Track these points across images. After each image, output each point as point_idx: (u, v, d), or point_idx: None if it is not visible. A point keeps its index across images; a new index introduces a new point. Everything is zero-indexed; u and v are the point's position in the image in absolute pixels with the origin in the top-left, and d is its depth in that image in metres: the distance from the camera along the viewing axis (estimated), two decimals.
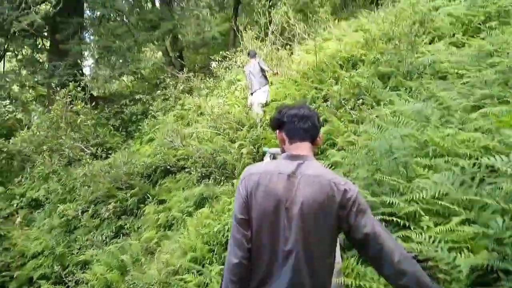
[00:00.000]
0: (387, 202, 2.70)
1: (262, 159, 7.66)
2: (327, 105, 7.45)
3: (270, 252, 1.61)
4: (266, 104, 8.70)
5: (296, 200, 1.57)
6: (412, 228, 2.50)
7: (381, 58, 7.80)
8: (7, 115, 12.33)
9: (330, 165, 5.51)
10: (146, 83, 11.93)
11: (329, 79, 8.18)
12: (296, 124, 1.72)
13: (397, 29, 7.68)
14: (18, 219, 8.46)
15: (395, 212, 2.73)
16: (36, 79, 10.43)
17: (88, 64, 16.46)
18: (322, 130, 6.78)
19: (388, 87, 7.03)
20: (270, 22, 12.63)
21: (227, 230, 5.79)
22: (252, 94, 8.45)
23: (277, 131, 1.81)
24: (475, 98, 4.52)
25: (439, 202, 2.48)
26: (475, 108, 4.46)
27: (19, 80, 9.99)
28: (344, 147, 6.03)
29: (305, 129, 1.72)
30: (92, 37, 12.06)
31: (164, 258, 6.09)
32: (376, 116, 6.20)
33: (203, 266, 5.57)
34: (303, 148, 1.72)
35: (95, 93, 13.63)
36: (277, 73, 8.57)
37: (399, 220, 2.56)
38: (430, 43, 8.15)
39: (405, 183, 2.85)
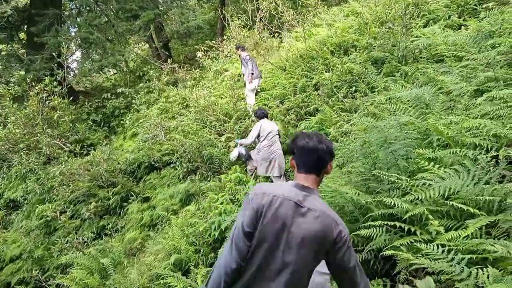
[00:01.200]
0: (388, 203, 2.31)
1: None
2: (318, 94, 7.06)
3: (260, 266, 1.72)
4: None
5: (300, 228, 1.70)
6: (418, 233, 2.12)
7: (374, 42, 7.40)
8: None
9: None
10: (129, 76, 11.38)
11: (320, 66, 7.77)
12: (303, 156, 1.86)
13: (390, 12, 7.27)
14: None
15: (397, 215, 2.35)
16: (11, 74, 9.83)
17: (73, 58, 15.79)
18: (314, 120, 6.43)
19: (382, 73, 6.65)
20: (258, 9, 12.13)
21: (214, 229, 5.41)
22: (252, 80, 7.88)
23: (291, 157, 1.95)
24: (478, 82, 4.14)
25: (449, 203, 2.10)
26: (479, 92, 4.10)
27: None
28: (337, 137, 5.66)
29: (311, 161, 1.85)
30: (75, 29, 11.42)
31: (147, 260, 5.70)
32: (371, 104, 5.84)
33: (188, 269, 5.21)
34: (309, 180, 1.85)
35: (78, 88, 13.07)
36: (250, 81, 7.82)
37: (402, 225, 2.17)
38: (424, 27, 7.78)
39: (407, 179, 2.46)
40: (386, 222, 2.26)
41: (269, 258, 1.72)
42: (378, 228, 2.34)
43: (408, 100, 4.51)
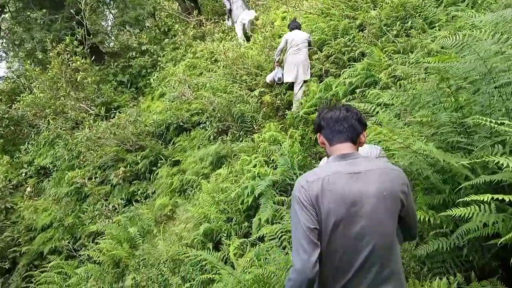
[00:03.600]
0: (498, 164, 1.49)
1: (287, 107, 6.49)
2: (363, 36, 6.01)
3: (346, 256, 1.53)
4: None
5: (367, 196, 1.53)
6: None
7: None
8: (14, 80, 11.63)
9: (373, 109, 4.27)
10: (154, 32, 10.62)
11: (365, 3, 6.64)
12: (332, 127, 1.72)
13: None
14: (28, 189, 7.87)
15: (504, 183, 1.53)
16: (33, 37, 9.42)
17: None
18: (359, 66, 5.45)
19: (442, 5, 5.48)
20: None
21: (247, 195, 4.80)
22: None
23: (318, 134, 1.81)
24: None
25: None
26: None
27: (13, 39, 9.00)
28: (389, 84, 4.71)
29: (341, 131, 1.70)
30: None
31: (176, 230, 5.24)
32: (431, 41, 4.78)
33: (220, 240, 4.67)
34: (347, 148, 1.68)
35: (105, 49, 12.58)
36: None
37: None
38: None
39: None
40: (497, 197, 1.44)
41: (349, 245, 1.53)
42: (482, 204, 1.53)
43: (487, 29, 3.48)
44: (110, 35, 10.37)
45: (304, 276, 1.48)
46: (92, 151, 7.12)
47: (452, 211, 1.55)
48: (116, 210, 6.51)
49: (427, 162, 2.11)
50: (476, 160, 1.56)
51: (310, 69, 6.33)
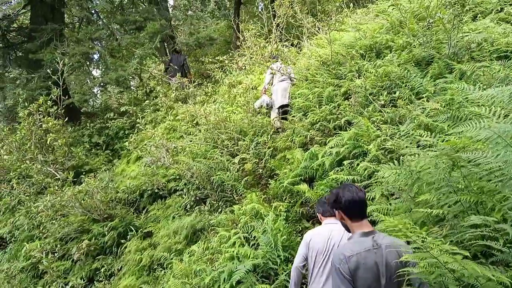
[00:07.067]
0: None
1: (270, 176, 6.05)
2: (349, 104, 5.80)
3: None
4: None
5: (388, 268, 1.96)
6: None
7: (414, 41, 6.14)
8: None
9: (366, 187, 3.89)
10: (136, 94, 10.39)
11: (349, 72, 6.54)
12: (355, 208, 2.15)
13: (433, 3, 6.03)
14: None
15: None
16: (5, 96, 9.03)
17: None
18: (346, 135, 5.14)
19: (429, 75, 5.37)
20: (274, 16, 11.09)
21: (223, 281, 4.18)
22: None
23: (337, 211, 2.25)
24: None
25: None
26: None
27: None
28: (379, 157, 4.36)
29: (363, 211, 2.16)
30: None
31: None
32: (422, 112, 4.55)
33: None
34: (367, 225, 2.15)
35: (85, 109, 12.24)
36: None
37: None
38: (472, 21, 6.60)
39: None
40: None
41: None
42: None
43: (484, 103, 3.22)
44: (90, 95, 10.05)
45: None
46: (54, 221, 6.41)
47: None
48: None
49: (452, 275, 1.65)
50: None
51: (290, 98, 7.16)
